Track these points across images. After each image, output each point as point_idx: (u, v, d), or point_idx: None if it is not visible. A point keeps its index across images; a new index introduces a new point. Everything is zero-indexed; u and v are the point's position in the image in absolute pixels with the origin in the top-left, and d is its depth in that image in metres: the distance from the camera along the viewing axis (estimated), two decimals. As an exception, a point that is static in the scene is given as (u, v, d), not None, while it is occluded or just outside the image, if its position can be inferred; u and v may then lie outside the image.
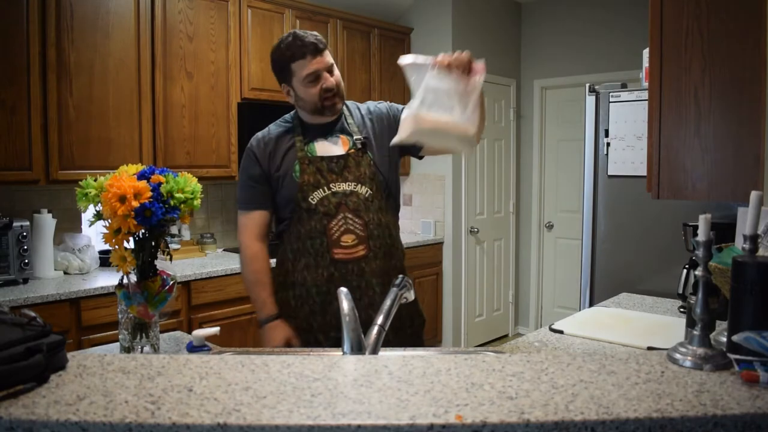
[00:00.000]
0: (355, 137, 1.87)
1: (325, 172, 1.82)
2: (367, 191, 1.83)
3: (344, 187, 1.82)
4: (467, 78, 1.57)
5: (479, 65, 1.58)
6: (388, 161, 1.91)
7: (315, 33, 1.82)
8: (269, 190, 1.89)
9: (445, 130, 1.55)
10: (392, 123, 1.89)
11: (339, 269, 1.79)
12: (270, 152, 1.87)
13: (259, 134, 1.93)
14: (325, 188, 1.81)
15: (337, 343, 1.75)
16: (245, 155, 1.92)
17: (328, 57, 1.82)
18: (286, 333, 1.83)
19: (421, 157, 1.99)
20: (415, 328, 1.95)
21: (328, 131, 1.88)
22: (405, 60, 1.58)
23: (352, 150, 1.85)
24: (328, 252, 1.80)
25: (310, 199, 1.81)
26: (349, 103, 1.97)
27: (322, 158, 1.83)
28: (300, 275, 1.84)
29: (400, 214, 2.01)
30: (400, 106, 1.93)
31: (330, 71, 1.82)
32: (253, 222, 1.90)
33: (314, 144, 1.87)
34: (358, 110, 1.96)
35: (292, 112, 1.96)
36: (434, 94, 1.54)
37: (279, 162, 1.86)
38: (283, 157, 1.86)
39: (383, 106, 1.98)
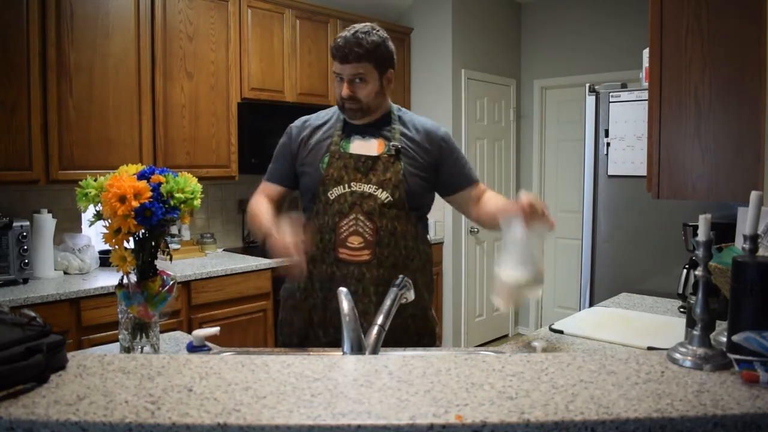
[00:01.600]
0: (391, 143, 1.84)
1: (350, 169, 1.81)
2: (387, 197, 1.79)
3: (364, 188, 1.80)
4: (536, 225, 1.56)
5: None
6: (419, 178, 1.85)
7: (370, 41, 1.75)
8: (289, 172, 1.93)
9: (535, 282, 1.56)
10: (438, 152, 1.87)
11: (341, 269, 1.79)
12: (306, 136, 1.90)
13: (303, 117, 1.97)
14: (346, 186, 1.80)
15: (334, 342, 1.76)
16: (283, 135, 1.97)
17: (358, 69, 1.76)
18: (289, 237, 1.65)
19: (448, 200, 1.98)
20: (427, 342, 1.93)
21: (367, 131, 1.87)
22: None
23: (385, 155, 1.83)
24: (334, 250, 1.79)
25: (329, 194, 1.81)
26: (404, 112, 1.94)
27: (351, 155, 1.82)
28: (306, 268, 1.82)
29: (415, 213, 1.94)
30: (450, 140, 1.92)
31: (353, 82, 1.78)
32: (266, 189, 1.97)
33: (350, 141, 1.86)
34: (411, 121, 1.91)
35: None
36: (522, 249, 1.55)
37: (311, 148, 1.88)
38: (316, 145, 1.87)
39: (441, 132, 1.92)
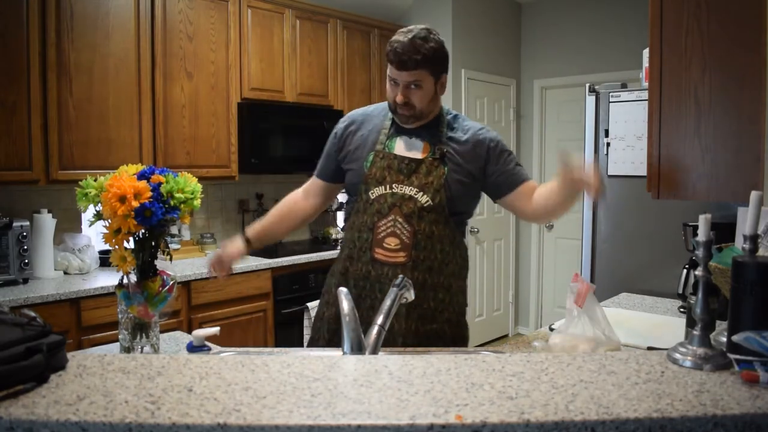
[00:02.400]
0: (436, 147, 1.82)
1: (393, 170, 1.81)
2: (427, 201, 1.78)
3: (405, 190, 1.79)
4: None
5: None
6: (462, 183, 1.83)
7: (428, 48, 1.72)
8: (334, 167, 1.96)
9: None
10: (486, 157, 1.85)
11: (376, 269, 1.79)
12: (352, 131, 1.92)
13: (355, 110, 2.01)
14: (387, 186, 1.80)
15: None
16: (335, 129, 1.99)
17: (415, 76, 1.74)
18: (235, 247, 1.98)
19: (501, 202, 1.94)
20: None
21: (413, 132, 1.86)
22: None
23: (430, 158, 1.81)
24: (370, 249, 1.80)
25: (370, 193, 1.81)
26: (454, 115, 1.92)
27: (396, 156, 1.82)
28: (342, 264, 1.87)
29: (455, 218, 1.92)
30: (500, 143, 1.89)
31: (408, 87, 1.76)
32: (312, 183, 2.04)
33: (396, 140, 1.86)
34: (461, 126, 1.89)
35: None
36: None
37: (357, 144, 1.90)
38: (363, 141, 1.89)
39: (490, 135, 1.89)
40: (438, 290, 1.80)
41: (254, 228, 2.01)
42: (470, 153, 1.84)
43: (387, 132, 1.87)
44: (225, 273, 1.98)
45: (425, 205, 1.78)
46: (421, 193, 1.79)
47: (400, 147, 1.85)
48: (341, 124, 1.97)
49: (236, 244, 1.97)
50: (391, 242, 1.78)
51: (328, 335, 1.87)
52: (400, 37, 1.76)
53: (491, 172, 1.85)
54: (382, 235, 1.79)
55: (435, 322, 1.81)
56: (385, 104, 1.93)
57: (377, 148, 1.85)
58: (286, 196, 2.07)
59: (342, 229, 1.98)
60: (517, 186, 1.86)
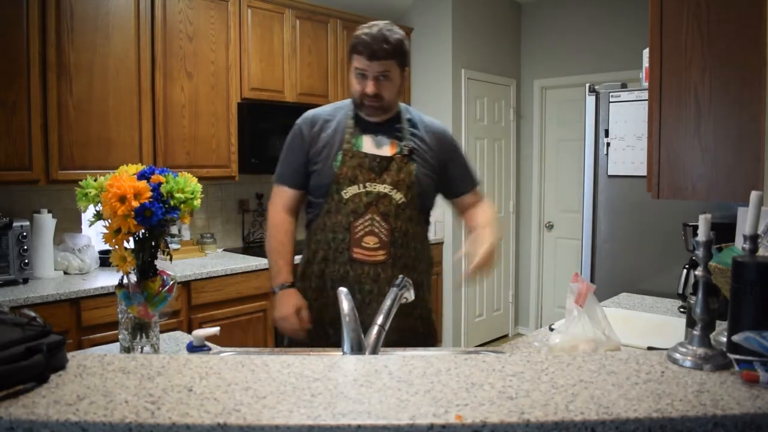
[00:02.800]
0: (403, 143, 1.85)
1: (365, 169, 1.80)
2: (401, 198, 1.80)
3: (379, 188, 1.79)
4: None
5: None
6: (429, 179, 1.88)
7: (395, 39, 1.76)
8: (305, 171, 1.87)
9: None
10: (445, 152, 1.91)
11: (355, 269, 1.78)
12: (316, 132, 1.86)
13: (312, 111, 1.94)
14: (361, 185, 1.79)
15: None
16: (292, 130, 1.92)
17: (386, 67, 1.76)
18: (297, 301, 1.80)
19: (449, 202, 2.00)
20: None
21: (378, 129, 1.86)
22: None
23: (398, 155, 1.83)
24: (348, 250, 1.79)
25: (342, 193, 1.79)
26: (413, 111, 1.95)
27: (366, 155, 1.81)
28: (318, 267, 1.84)
29: (424, 215, 1.97)
30: (457, 141, 2.00)
31: (378, 79, 1.77)
32: (282, 196, 1.91)
33: (362, 138, 1.85)
34: (421, 121, 1.93)
35: (350, 99, 1.92)
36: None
37: (323, 144, 1.85)
38: (328, 141, 1.85)
39: (449, 133, 1.99)
40: (420, 294, 1.81)
41: (287, 270, 1.86)
42: (433, 149, 1.89)
43: (351, 130, 1.85)
44: (306, 324, 1.82)
45: (400, 202, 1.80)
46: (395, 191, 1.80)
47: (368, 145, 1.84)
48: (304, 125, 1.90)
49: (293, 296, 1.82)
50: (370, 241, 1.78)
51: (308, 338, 1.84)
52: (366, 29, 1.78)
53: (451, 171, 1.92)
54: (360, 234, 1.78)
55: (410, 317, 1.83)
56: (343, 103, 1.93)
57: (345, 146, 1.82)
58: (274, 222, 1.91)
59: (311, 231, 1.90)
60: (471, 190, 1.97)
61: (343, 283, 1.77)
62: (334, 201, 1.80)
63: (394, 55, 1.76)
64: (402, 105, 1.93)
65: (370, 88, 1.77)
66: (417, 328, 1.88)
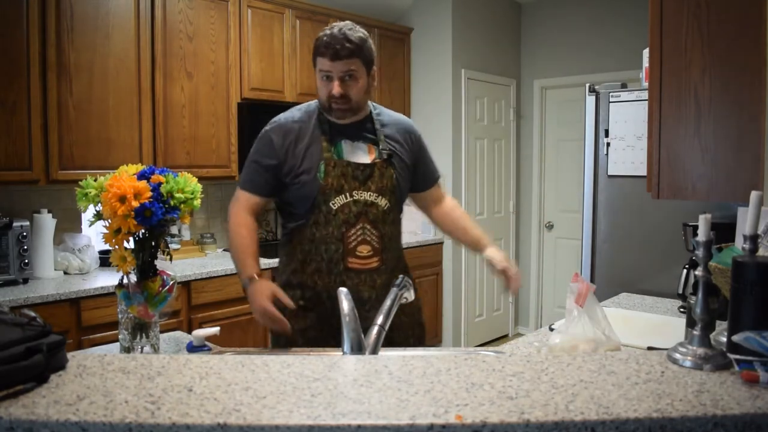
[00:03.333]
0: (381, 147, 1.85)
1: (349, 178, 1.78)
2: (386, 204, 1.82)
3: (366, 196, 1.79)
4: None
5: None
6: (406, 180, 1.91)
7: (357, 37, 1.74)
8: (274, 181, 1.82)
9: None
10: (414, 148, 1.95)
11: (351, 278, 1.77)
12: (291, 142, 1.80)
13: (281, 118, 1.86)
14: (348, 195, 1.77)
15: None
16: (262, 137, 1.85)
17: (350, 66, 1.74)
18: (269, 288, 1.73)
19: (413, 196, 2.03)
20: (416, 338, 1.95)
21: (352, 134, 1.84)
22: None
23: (378, 160, 1.83)
24: (343, 260, 1.77)
25: (331, 204, 1.77)
26: (382, 108, 1.95)
27: (349, 164, 1.79)
28: (310, 279, 1.81)
29: (401, 215, 2.00)
30: (421, 135, 2.01)
31: (344, 79, 1.75)
32: (247, 201, 1.85)
33: (341, 145, 1.82)
34: (391, 119, 1.94)
35: (315, 101, 1.89)
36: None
37: (301, 156, 1.80)
38: (305, 151, 1.80)
39: (416, 131, 1.99)
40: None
41: (252, 263, 1.80)
42: (404, 147, 1.91)
43: (326, 138, 1.81)
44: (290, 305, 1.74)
45: (386, 208, 1.82)
46: (380, 197, 1.81)
47: (347, 151, 1.83)
48: (274, 135, 1.82)
49: (265, 285, 1.75)
50: (364, 250, 1.79)
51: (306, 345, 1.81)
52: (327, 30, 1.77)
53: (419, 166, 1.95)
54: (353, 244, 1.78)
55: (405, 316, 1.85)
56: (307, 108, 1.88)
57: (325, 156, 1.79)
58: (236, 221, 1.84)
59: (293, 242, 1.86)
60: (434, 184, 2.02)
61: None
62: (323, 212, 1.77)
63: (357, 53, 1.73)
64: (370, 104, 1.91)
65: (335, 89, 1.74)
66: (411, 325, 1.92)
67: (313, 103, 1.90)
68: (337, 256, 1.78)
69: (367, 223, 1.79)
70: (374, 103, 1.95)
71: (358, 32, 1.76)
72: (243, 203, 1.85)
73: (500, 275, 1.87)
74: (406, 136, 1.92)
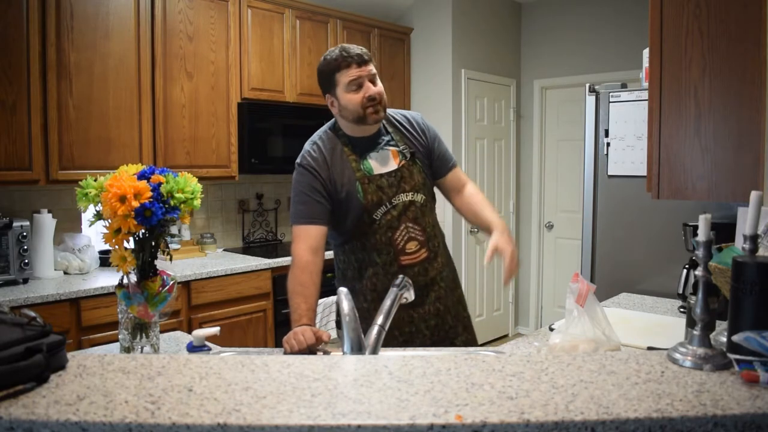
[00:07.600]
0: (401, 148, 1.92)
1: (385, 188, 1.86)
2: (422, 198, 1.92)
3: (403, 198, 1.88)
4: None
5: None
6: (427, 167, 1.98)
7: (360, 47, 1.85)
8: (327, 203, 1.85)
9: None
10: (430, 135, 2.00)
11: (407, 273, 1.81)
12: (328, 167, 1.85)
13: (310, 148, 1.89)
14: (387, 204, 1.86)
15: (410, 338, 1.91)
16: (301, 170, 1.87)
17: (372, 68, 1.84)
18: (315, 331, 1.62)
19: (437, 182, 2.05)
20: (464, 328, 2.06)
21: (374, 144, 1.91)
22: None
23: (403, 162, 1.90)
24: (396, 260, 1.87)
25: (374, 216, 1.86)
26: (390, 110, 1.97)
27: (381, 175, 1.87)
28: (369, 282, 1.90)
29: (435, 202, 2.08)
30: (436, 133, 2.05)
31: (373, 81, 1.83)
32: (309, 235, 1.82)
33: (368, 160, 1.89)
34: (402, 117, 2.00)
35: (329, 123, 1.94)
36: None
37: (339, 180, 1.84)
38: (341, 175, 1.85)
39: (427, 123, 2.04)
40: (450, 265, 2.04)
41: (309, 316, 1.75)
42: (417, 139, 1.97)
43: (354, 158, 1.87)
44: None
45: (422, 202, 1.92)
46: (416, 194, 1.91)
47: (375, 164, 1.89)
48: (316, 164, 1.85)
49: (309, 329, 1.65)
50: (412, 246, 1.89)
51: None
52: (334, 52, 1.83)
53: (435, 152, 2.00)
54: (401, 244, 1.88)
55: (457, 287, 2.05)
56: (326, 134, 1.91)
57: (358, 174, 1.86)
58: (299, 263, 1.79)
59: (343, 251, 1.96)
60: (452, 168, 2.03)
61: None
62: (366, 224, 1.86)
63: (371, 58, 1.86)
64: None
65: (373, 89, 1.82)
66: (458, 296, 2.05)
67: (323, 128, 1.94)
68: (389, 258, 1.87)
69: (408, 222, 1.88)
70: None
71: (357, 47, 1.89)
72: (304, 238, 1.81)
73: (499, 257, 1.84)
74: (418, 128, 1.99)
